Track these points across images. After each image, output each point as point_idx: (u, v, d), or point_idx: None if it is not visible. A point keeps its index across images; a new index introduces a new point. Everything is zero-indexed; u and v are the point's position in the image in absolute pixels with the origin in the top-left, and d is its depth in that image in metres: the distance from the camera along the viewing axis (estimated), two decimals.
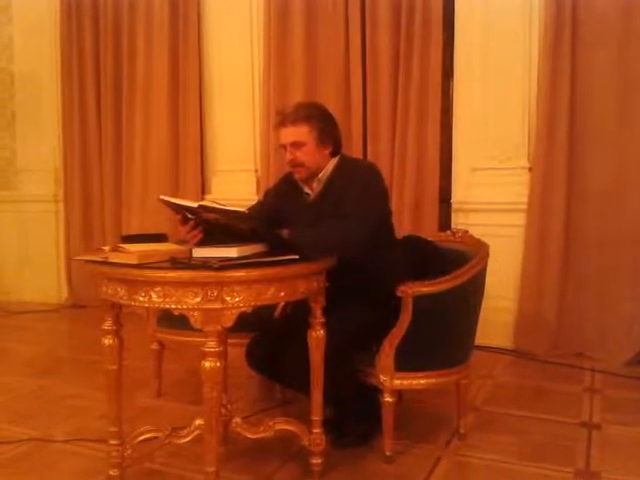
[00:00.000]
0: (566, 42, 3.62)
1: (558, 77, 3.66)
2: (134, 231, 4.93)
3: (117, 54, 5.02)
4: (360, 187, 2.29)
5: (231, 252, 1.85)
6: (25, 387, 3.29)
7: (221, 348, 1.82)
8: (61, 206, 5.40)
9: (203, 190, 4.90)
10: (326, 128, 2.39)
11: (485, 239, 2.65)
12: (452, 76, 4.10)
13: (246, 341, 2.58)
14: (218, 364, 1.80)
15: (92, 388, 3.17)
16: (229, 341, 2.51)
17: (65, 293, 5.42)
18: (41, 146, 5.40)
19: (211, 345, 1.79)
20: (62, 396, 3.15)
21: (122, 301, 1.88)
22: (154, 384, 3.11)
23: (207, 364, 1.79)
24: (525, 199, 3.82)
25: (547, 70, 3.69)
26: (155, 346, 3.06)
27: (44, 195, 5.42)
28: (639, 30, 3.47)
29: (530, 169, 3.84)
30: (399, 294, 2.25)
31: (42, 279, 5.43)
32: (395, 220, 2.63)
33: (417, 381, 2.28)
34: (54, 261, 5.47)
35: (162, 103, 4.83)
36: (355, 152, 4.07)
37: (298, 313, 2.33)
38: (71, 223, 5.33)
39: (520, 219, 3.85)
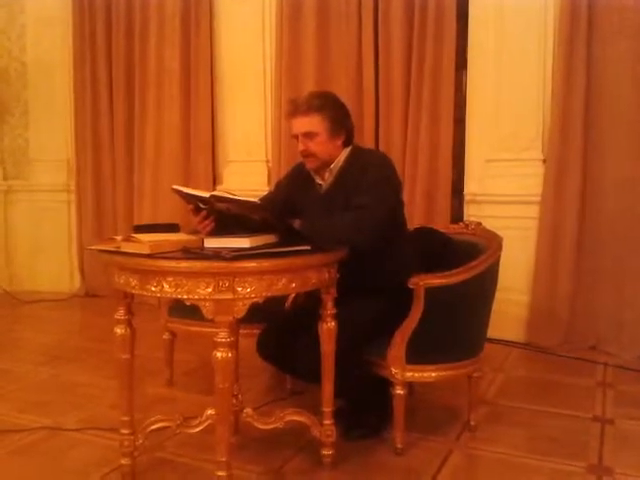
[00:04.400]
0: (582, 33, 3.57)
1: (573, 69, 3.61)
2: (146, 221, 4.94)
3: (129, 45, 5.01)
4: (373, 178, 2.27)
5: (243, 242, 1.85)
6: (37, 376, 3.31)
7: (232, 339, 1.82)
8: (73, 196, 5.41)
9: (214, 181, 4.89)
10: (338, 118, 2.37)
11: (498, 231, 2.64)
12: (465, 68, 4.06)
13: (257, 332, 2.58)
14: (230, 355, 1.79)
15: (104, 377, 3.19)
16: (240, 332, 2.51)
17: (78, 282, 5.45)
18: (54, 136, 5.40)
19: (223, 336, 1.79)
20: (74, 384, 3.17)
21: (134, 291, 1.88)
22: (166, 373, 3.12)
23: (219, 354, 1.79)
24: (539, 191, 3.78)
25: (562, 62, 3.64)
26: (167, 336, 3.07)
27: (57, 185, 5.43)
28: None
29: (544, 161, 3.80)
30: (411, 286, 2.24)
31: (55, 268, 5.46)
32: (407, 211, 2.61)
33: (428, 374, 2.27)
34: (66, 250, 5.49)
35: (174, 93, 4.83)
36: (367, 143, 4.04)
37: (309, 304, 2.33)
38: (83, 213, 5.35)
39: (534, 211, 3.82)
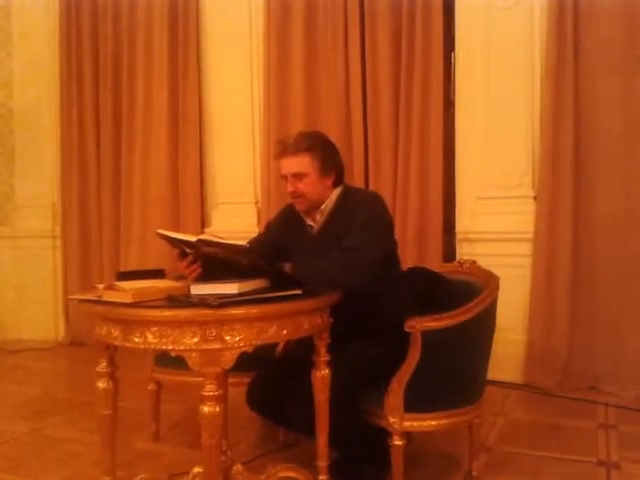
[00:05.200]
0: (569, 69, 3.58)
1: (562, 104, 3.61)
2: (133, 267, 4.85)
3: (116, 89, 4.99)
4: (365, 218, 2.22)
5: (231, 288, 1.76)
6: (18, 431, 3.16)
7: (221, 391, 1.72)
8: (59, 242, 5.32)
9: (203, 223, 4.82)
10: (328, 158, 2.33)
11: (492, 269, 2.57)
12: (454, 104, 4.06)
13: (247, 380, 2.48)
14: (218, 409, 1.69)
15: (88, 431, 3.05)
16: (229, 380, 2.40)
17: (63, 330, 5.31)
18: (40, 181, 5.35)
19: (210, 389, 1.69)
20: (56, 440, 3.03)
21: (116, 342, 1.79)
22: (152, 427, 2.98)
23: (206, 409, 1.69)
24: (531, 228, 3.74)
25: (550, 97, 3.64)
26: (152, 387, 2.94)
27: (42, 231, 5.34)
28: None
29: (535, 197, 3.77)
30: (407, 329, 2.15)
31: (40, 316, 5.32)
32: (399, 250, 2.54)
33: (428, 422, 2.16)
34: (52, 298, 5.36)
35: (161, 136, 4.79)
36: (357, 181, 4.01)
37: (301, 350, 2.23)
38: (69, 259, 5.25)
39: (527, 249, 3.76)
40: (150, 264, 4.48)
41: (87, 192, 5.16)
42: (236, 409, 2.70)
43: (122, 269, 4.93)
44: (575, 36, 3.58)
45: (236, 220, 4.59)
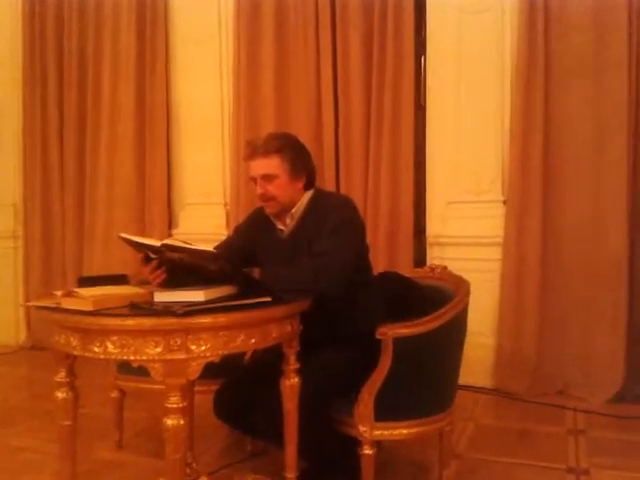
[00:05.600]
0: (539, 73, 3.58)
1: (532, 109, 3.61)
2: (97, 269, 4.73)
3: (81, 87, 4.85)
4: (336, 222, 2.16)
5: (197, 296, 1.69)
6: None
7: (185, 403, 1.64)
8: (20, 242, 5.15)
9: (170, 224, 4.72)
10: (299, 160, 2.27)
11: (462, 273, 2.55)
12: (424, 109, 4.04)
13: (213, 387, 2.40)
14: (182, 422, 1.62)
15: (47, 440, 2.92)
16: (195, 388, 2.33)
17: (23, 334, 5.14)
18: (1, 180, 5.17)
19: (174, 401, 1.61)
20: (14, 449, 2.91)
21: (75, 352, 1.70)
22: (115, 435, 2.89)
23: (169, 422, 1.61)
24: (501, 232, 3.74)
25: (520, 102, 3.64)
26: (115, 394, 2.84)
27: (2, 231, 5.17)
28: (613, 63, 3.45)
29: (505, 202, 3.77)
30: (378, 336, 2.10)
31: (0, 319, 5.15)
32: (370, 254, 2.50)
33: (399, 431, 2.11)
34: (12, 300, 5.19)
35: (127, 135, 4.67)
36: (328, 184, 3.95)
37: (270, 357, 2.17)
38: (30, 260, 5.09)
39: (497, 253, 3.76)
40: (115, 266, 4.36)
41: (50, 192, 5.01)
42: (202, 417, 2.62)
43: (85, 271, 4.81)
44: (546, 40, 3.58)
45: (204, 221, 4.50)
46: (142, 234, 4.65)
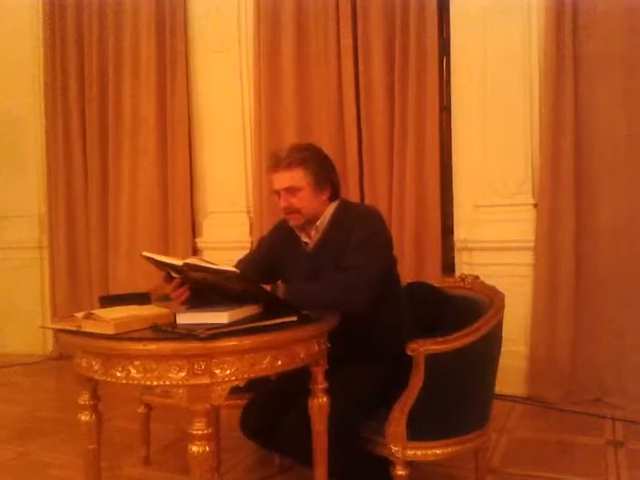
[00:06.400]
0: (568, 73, 3.47)
1: (561, 109, 3.50)
2: (122, 277, 4.73)
3: (103, 96, 4.85)
4: (363, 235, 2.10)
5: (221, 318, 1.64)
6: (3, 455, 3.03)
7: (211, 430, 1.58)
8: (46, 253, 5.18)
9: (194, 233, 4.69)
10: (323, 171, 2.20)
11: (492, 279, 2.48)
12: (449, 110, 3.94)
13: (241, 402, 2.34)
14: (208, 448, 1.56)
15: (76, 455, 2.88)
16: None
17: (51, 344, 5.16)
18: (25, 190, 5.21)
19: (199, 427, 1.56)
20: (43, 465, 2.90)
21: (97, 376, 1.66)
22: (142, 451, 2.85)
23: (195, 449, 1.56)
24: (532, 236, 3.63)
25: (549, 102, 3.53)
26: (142, 409, 2.80)
27: (28, 242, 5.21)
28: None
29: (535, 205, 3.66)
30: (409, 353, 2.02)
31: (27, 329, 5.14)
32: (397, 266, 2.42)
33: (432, 451, 2.03)
34: (39, 309, 5.22)
35: (150, 144, 4.66)
36: (352, 193, 3.88)
37: (298, 373, 2.11)
38: (56, 270, 5.11)
39: (528, 257, 3.65)
40: (139, 275, 4.35)
41: (74, 201, 5.03)
42: (230, 430, 2.58)
43: (111, 281, 4.83)
44: (574, 39, 3.47)
45: (228, 230, 4.48)
46: (166, 243, 4.65)
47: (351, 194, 3.83)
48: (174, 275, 1.88)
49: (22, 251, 5.21)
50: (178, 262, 1.79)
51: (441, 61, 3.91)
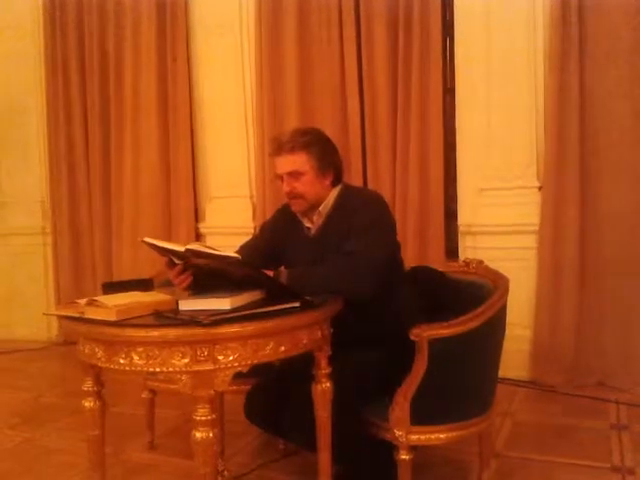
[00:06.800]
0: (574, 56, 3.42)
1: (566, 93, 3.45)
2: (125, 262, 4.73)
3: (103, 82, 4.81)
4: (366, 220, 2.08)
5: (223, 304, 1.63)
6: (8, 441, 3.05)
7: (214, 415, 1.58)
8: (49, 238, 5.18)
9: (197, 218, 4.68)
10: (326, 156, 2.19)
11: (496, 263, 2.47)
12: (453, 93, 3.91)
13: (244, 387, 2.35)
14: (211, 434, 1.56)
15: (81, 440, 2.87)
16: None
17: (55, 329, 5.17)
18: (27, 177, 5.19)
19: (202, 413, 1.56)
20: (49, 451, 2.92)
21: (100, 363, 1.65)
22: (147, 436, 2.87)
23: (198, 435, 1.56)
24: (536, 220, 3.60)
25: (554, 85, 3.48)
26: (146, 395, 2.81)
27: (32, 227, 5.20)
28: None
29: (540, 188, 3.63)
30: (412, 337, 2.01)
31: (31, 315, 5.16)
32: (401, 251, 2.41)
33: (436, 435, 2.03)
34: (43, 295, 5.22)
35: (151, 129, 4.63)
36: (354, 177, 3.86)
37: (301, 359, 2.11)
38: (60, 255, 5.11)
39: (532, 241, 3.63)
40: (143, 260, 4.34)
41: (77, 187, 5.01)
42: (234, 413, 2.57)
43: (115, 266, 4.82)
44: (580, 21, 3.41)
45: (231, 214, 4.47)
46: (169, 228, 4.64)
47: (354, 179, 3.80)
48: (176, 261, 1.87)
49: (25, 237, 5.20)
50: (180, 248, 1.78)
51: (445, 42, 3.87)
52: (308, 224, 2.25)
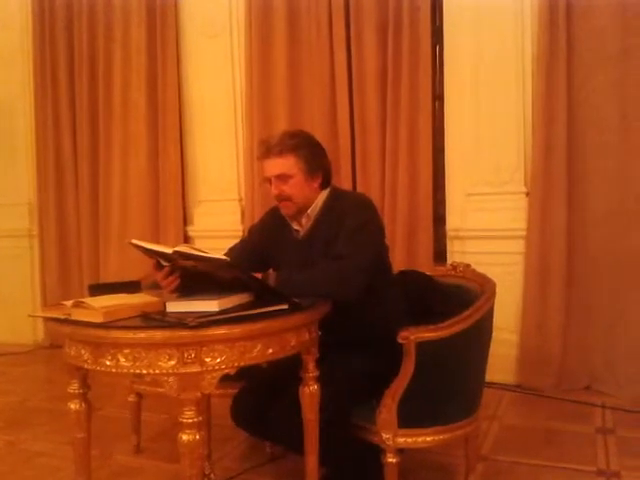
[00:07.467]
0: (561, 60, 3.45)
1: (554, 97, 3.49)
2: (113, 266, 4.71)
3: (93, 83, 4.80)
4: (354, 224, 2.08)
5: (211, 306, 1.63)
6: None
7: (201, 418, 1.58)
8: (36, 241, 5.14)
9: (185, 221, 4.66)
10: (314, 158, 2.19)
11: (483, 267, 2.49)
12: (442, 99, 3.93)
13: (231, 391, 2.34)
14: (198, 437, 1.56)
15: (66, 444, 2.88)
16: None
17: (41, 333, 5.13)
18: (14, 179, 5.17)
19: (189, 415, 1.55)
20: (32, 454, 2.89)
21: (86, 365, 1.64)
22: (133, 439, 2.85)
23: (185, 437, 1.55)
24: (524, 225, 3.63)
25: (542, 90, 3.52)
26: (132, 398, 2.80)
27: (18, 230, 5.16)
28: (638, 47, 3.31)
29: (527, 194, 3.66)
30: (400, 340, 2.02)
31: (17, 318, 5.11)
32: (389, 254, 2.42)
33: (423, 438, 2.04)
34: (29, 298, 5.18)
35: (140, 131, 4.62)
36: (344, 181, 3.87)
37: (289, 362, 2.10)
38: (46, 258, 5.07)
39: (519, 246, 3.66)
40: (130, 263, 4.32)
41: (64, 190, 4.99)
42: (220, 417, 2.56)
43: (102, 269, 4.80)
44: (568, 26, 3.45)
45: (219, 218, 4.45)
46: (157, 231, 4.62)
47: (343, 182, 3.82)
48: (164, 263, 1.86)
49: (12, 239, 5.17)
50: (168, 250, 1.77)
51: (434, 49, 3.89)
52: (297, 227, 2.25)
